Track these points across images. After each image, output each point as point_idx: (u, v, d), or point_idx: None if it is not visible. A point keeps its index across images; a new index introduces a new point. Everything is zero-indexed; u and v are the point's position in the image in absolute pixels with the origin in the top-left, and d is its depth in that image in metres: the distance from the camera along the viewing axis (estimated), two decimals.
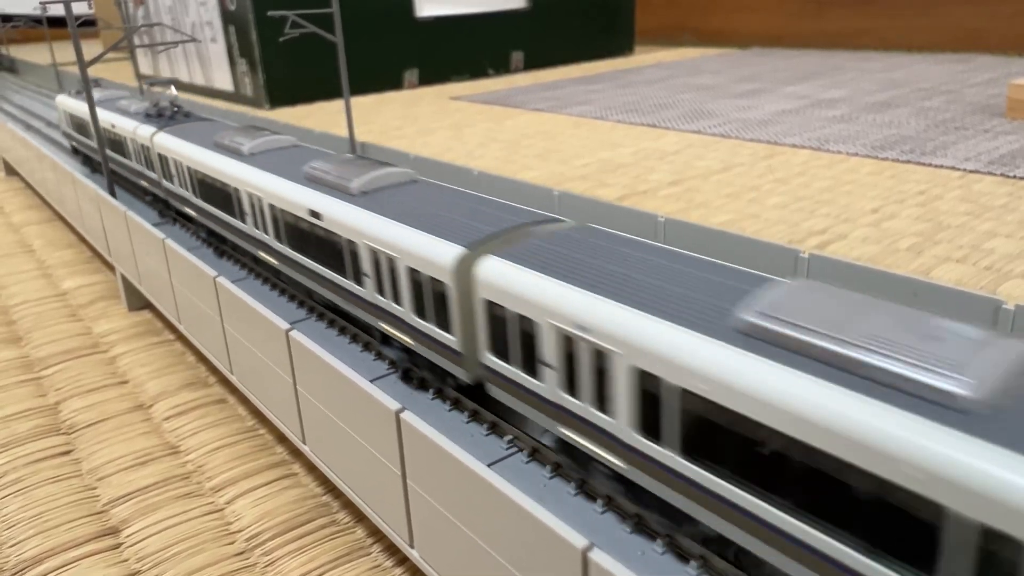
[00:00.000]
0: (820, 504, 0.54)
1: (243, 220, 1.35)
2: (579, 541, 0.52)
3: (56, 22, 5.22)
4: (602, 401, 0.70)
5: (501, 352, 0.81)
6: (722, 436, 0.59)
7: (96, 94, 2.17)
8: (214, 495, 1.02)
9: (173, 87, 2.02)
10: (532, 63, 5.33)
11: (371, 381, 0.77)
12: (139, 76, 3.37)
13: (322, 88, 4.27)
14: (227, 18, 4.34)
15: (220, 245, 1.56)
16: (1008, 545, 0.43)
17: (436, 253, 0.87)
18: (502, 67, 5.21)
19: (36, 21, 4.65)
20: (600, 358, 0.68)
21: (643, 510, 0.72)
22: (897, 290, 0.94)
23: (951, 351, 0.52)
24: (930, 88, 3.71)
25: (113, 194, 1.66)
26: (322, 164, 1.21)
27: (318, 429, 0.91)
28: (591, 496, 0.76)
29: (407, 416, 0.69)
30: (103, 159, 1.70)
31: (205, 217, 1.53)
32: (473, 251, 0.85)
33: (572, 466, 0.79)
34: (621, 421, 0.68)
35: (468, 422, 0.92)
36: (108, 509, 1.01)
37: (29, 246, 2.18)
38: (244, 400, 1.25)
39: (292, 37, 2.09)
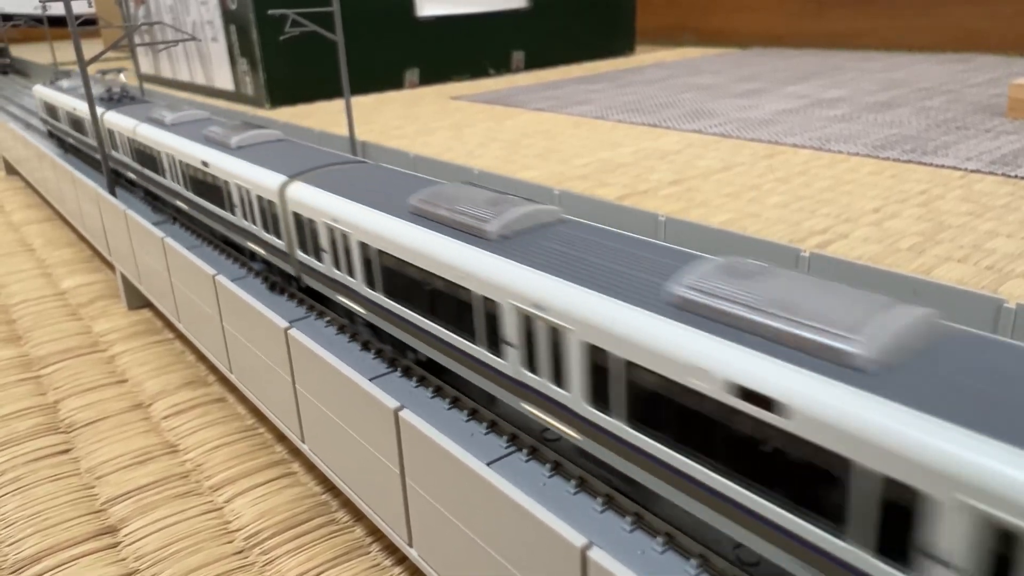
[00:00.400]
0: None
1: (163, 176, 1.73)
2: (578, 540, 0.52)
3: (57, 21, 5.22)
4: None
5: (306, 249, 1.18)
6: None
7: (64, 83, 2.62)
8: (213, 494, 1.02)
9: (122, 75, 2.51)
10: (533, 63, 5.33)
11: (370, 380, 0.77)
12: (139, 75, 3.37)
13: (323, 88, 4.26)
14: (228, 17, 4.34)
15: (153, 202, 1.95)
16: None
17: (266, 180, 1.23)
18: (503, 67, 5.21)
19: (37, 20, 4.65)
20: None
21: (642, 508, 0.72)
22: (898, 289, 0.93)
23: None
24: (931, 88, 3.70)
25: (113, 193, 1.66)
26: (217, 130, 1.54)
27: (317, 428, 0.91)
28: (591, 494, 0.76)
29: (406, 414, 0.69)
30: (103, 159, 1.70)
31: (141, 179, 1.91)
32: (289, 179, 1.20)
33: (572, 464, 0.79)
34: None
35: (468, 420, 0.91)
36: (106, 508, 1.00)
37: (29, 245, 2.18)
38: (243, 399, 1.25)
39: (293, 36, 2.09)
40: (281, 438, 1.14)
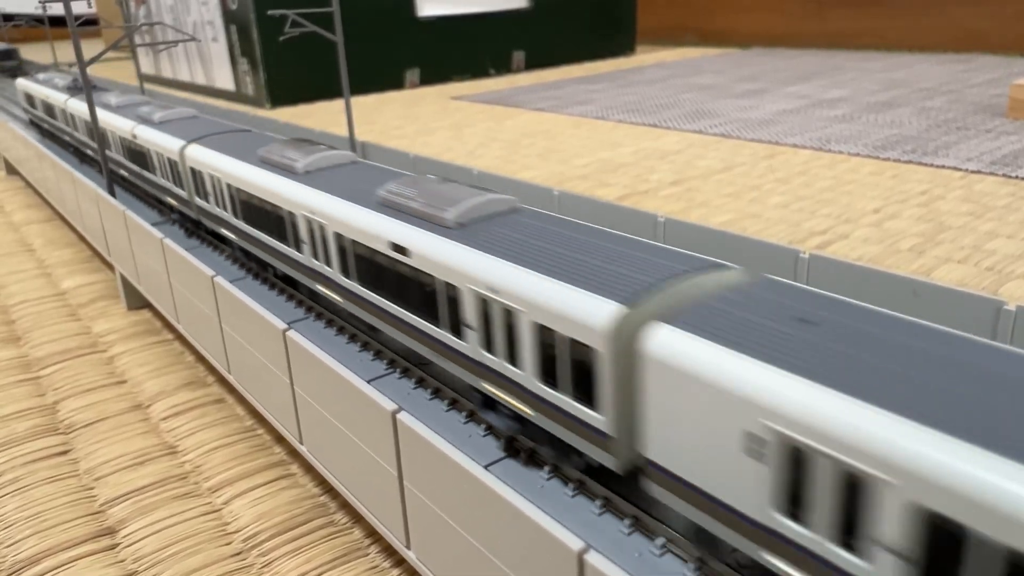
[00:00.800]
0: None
1: (109, 148, 2.09)
2: (575, 543, 0.52)
3: (58, 21, 5.22)
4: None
5: None
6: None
7: (40, 76, 3.05)
8: (211, 495, 1.02)
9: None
10: (533, 63, 5.33)
11: (369, 381, 0.77)
12: (140, 75, 3.37)
13: (323, 88, 4.27)
14: (228, 17, 4.34)
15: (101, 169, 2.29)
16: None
17: None
18: (503, 67, 5.21)
19: (38, 20, 4.65)
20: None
21: (640, 511, 0.72)
22: (898, 290, 0.93)
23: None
24: (931, 88, 3.70)
25: (113, 194, 1.66)
26: (147, 109, 1.91)
27: (315, 429, 0.91)
28: (589, 497, 0.76)
29: (403, 417, 0.69)
30: (102, 159, 1.70)
31: (96, 154, 2.19)
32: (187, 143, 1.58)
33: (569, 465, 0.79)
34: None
35: (466, 422, 0.91)
36: (105, 509, 1.00)
37: (29, 245, 2.18)
38: (242, 400, 1.25)
39: (293, 37, 2.09)
40: (280, 439, 1.14)
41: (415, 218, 0.97)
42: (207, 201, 1.53)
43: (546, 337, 0.73)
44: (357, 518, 0.95)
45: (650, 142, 2.86)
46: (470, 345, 0.85)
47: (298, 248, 1.21)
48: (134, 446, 1.14)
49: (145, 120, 1.85)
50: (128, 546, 0.93)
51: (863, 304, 0.66)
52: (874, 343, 0.58)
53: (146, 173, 1.85)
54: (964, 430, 0.47)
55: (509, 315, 0.78)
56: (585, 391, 0.71)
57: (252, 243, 1.38)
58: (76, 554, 0.92)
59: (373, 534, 0.92)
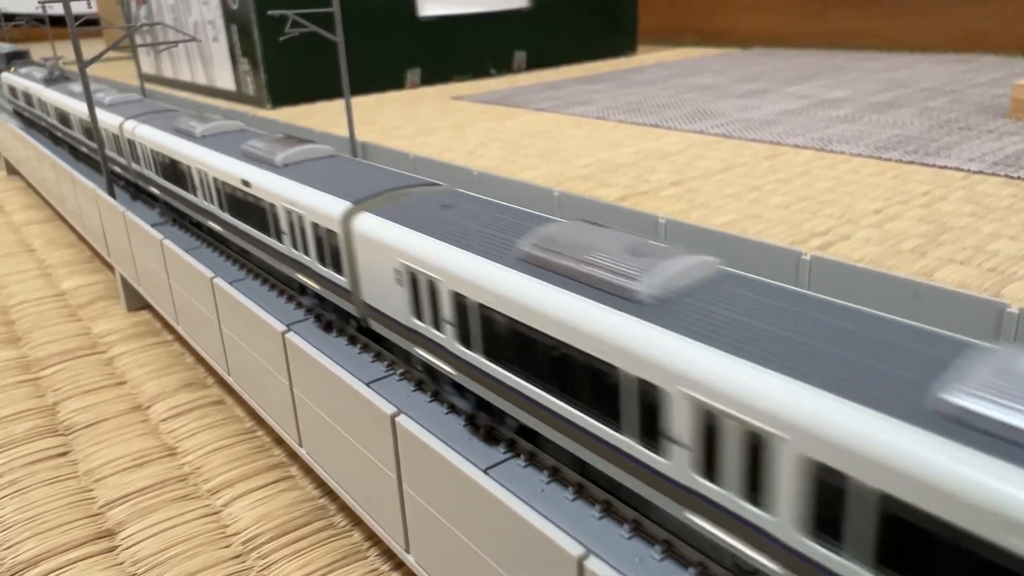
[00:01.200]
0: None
1: (72, 129, 2.38)
2: (575, 549, 0.52)
3: (58, 21, 5.21)
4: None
5: None
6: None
7: (23, 70, 3.38)
8: (211, 497, 1.02)
9: (60, 61, 3.49)
10: (534, 63, 5.32)
11: (368, 384, 0.76)
12: (140, 75, 3.37)
13: (324, 87, 4.26)
14: (229, 17, 4.34)
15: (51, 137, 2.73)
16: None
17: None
18: (504, 67, 5.20)
19: (38, 20, 4.65)
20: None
21: (641, 515, 0.71)
22: (899, 292, 0.93)
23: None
24: (933, 88, 3.69)
25: (112, 194, 1.65)
26: (74, 87, 2.33)
27: (314, 432, 0.90)
28: (589, 501, 0.76)
29: (402, 420, 0.69)
30: (102, 159, 1.70)
31: (62, 134, 2.57)
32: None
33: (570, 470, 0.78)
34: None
35: (465, 425, 0.91)
36: (104, 511, 1.00)
37: (29, 245, 2.18)
38: (242, 401, 1.25)
39: (293, 37, 2.09)
40: (279, 441, 1.13)
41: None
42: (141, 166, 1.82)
43: (317, 230, 1.06)
44: (357, 521, 0.95)
45: (651, 142, 2.86)
46: (285, 246, 1.18)
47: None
48: (134, 447, 1.14)
49: (73, 95, 2.31)
50: (127, 548, 0.93)
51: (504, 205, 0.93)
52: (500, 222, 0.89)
53: (70, 131, 2.39)
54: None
55: (295, 216, 1.12)
56: (335, 262, 1.04)
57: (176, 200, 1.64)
58: (75, 556, 0.92)
59: (372, 537, 0.92)
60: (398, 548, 0.78)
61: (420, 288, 0.88)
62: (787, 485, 0.53)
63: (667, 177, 2.34)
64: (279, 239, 1.20)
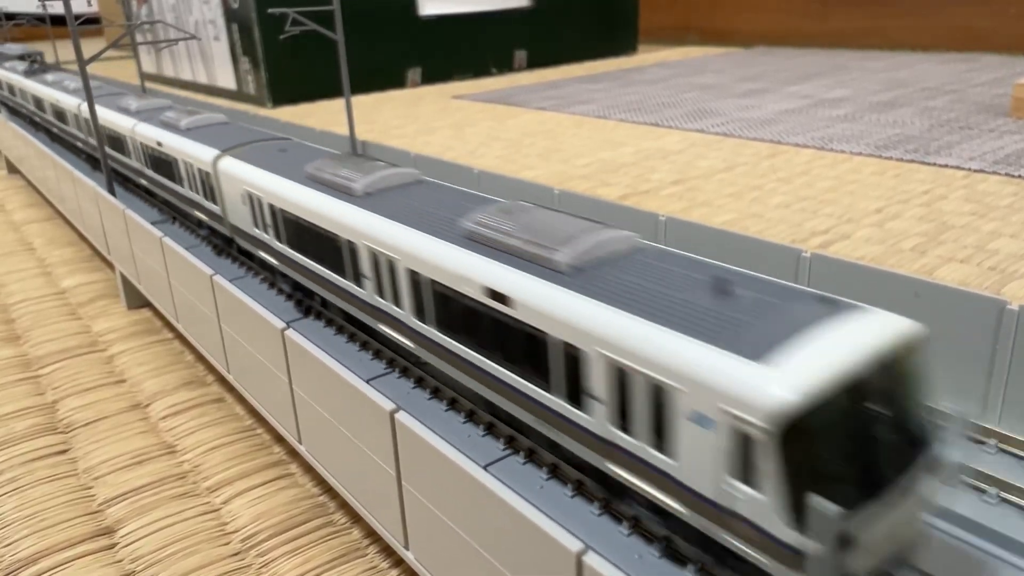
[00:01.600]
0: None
1: (44, 111, 2.75)
2: (574, 545, 0.52)
3: (59, 20, 5.21)
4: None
5: None
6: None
7: (6, 64, 3.67)
8: (210, 495, 1.02)
9: (41, 56, 3.80)
10: (535, 62, 5.32)
11: (368, 380, 0.76)
12: (141, 74, 3.37)
13: (325, 86, 4.26)
14: (230, 16, 4.34)
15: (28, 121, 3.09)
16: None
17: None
18: (505, 66, 5.20)
19: (39, 19, 4.65)
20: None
21: (640, 512, 0.71)
22: (899, 290, 0.93)
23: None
24: (934, 88, 3.69)
25: (113, 193, 1.65)
26: (50, 77, 2.64)
27: (314, 429, 0.90)
28: (588, 498, 0.76)
29: (402, 417, 0.68)
30: (102, 157, 1.70)
31: (41, 120, 2.89)
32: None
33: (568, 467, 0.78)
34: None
35: (465, 422, 0.91)
36: (103, 509, 1.00)
37: (29, 244, 2.18)
38: (241, 399, 1.25)
39: (293, 35, 2.09)
40: (279, 439, 1.13)
41: None
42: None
43: (193, 171, 1.49)
44: (356, 518, 0.95)
45: (652, 142, 2.86)
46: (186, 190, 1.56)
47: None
48: (133, 445, 1.14)
49: (46, 82, 2.73)
50: (126, 546, 0.93)
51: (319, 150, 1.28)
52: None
53: (42, 113, 2.74)
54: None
55: (188, 167, 1.51)
56: (211, 196, 1.44)
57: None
58: (74, 554, 0.92)
59: (372, 534, 0.92)
60: (397, 545, 0.78)
61: (256, 206, 1.26)
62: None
63: (668, 176, 2.34)
64: (182, 185, 1.60)
